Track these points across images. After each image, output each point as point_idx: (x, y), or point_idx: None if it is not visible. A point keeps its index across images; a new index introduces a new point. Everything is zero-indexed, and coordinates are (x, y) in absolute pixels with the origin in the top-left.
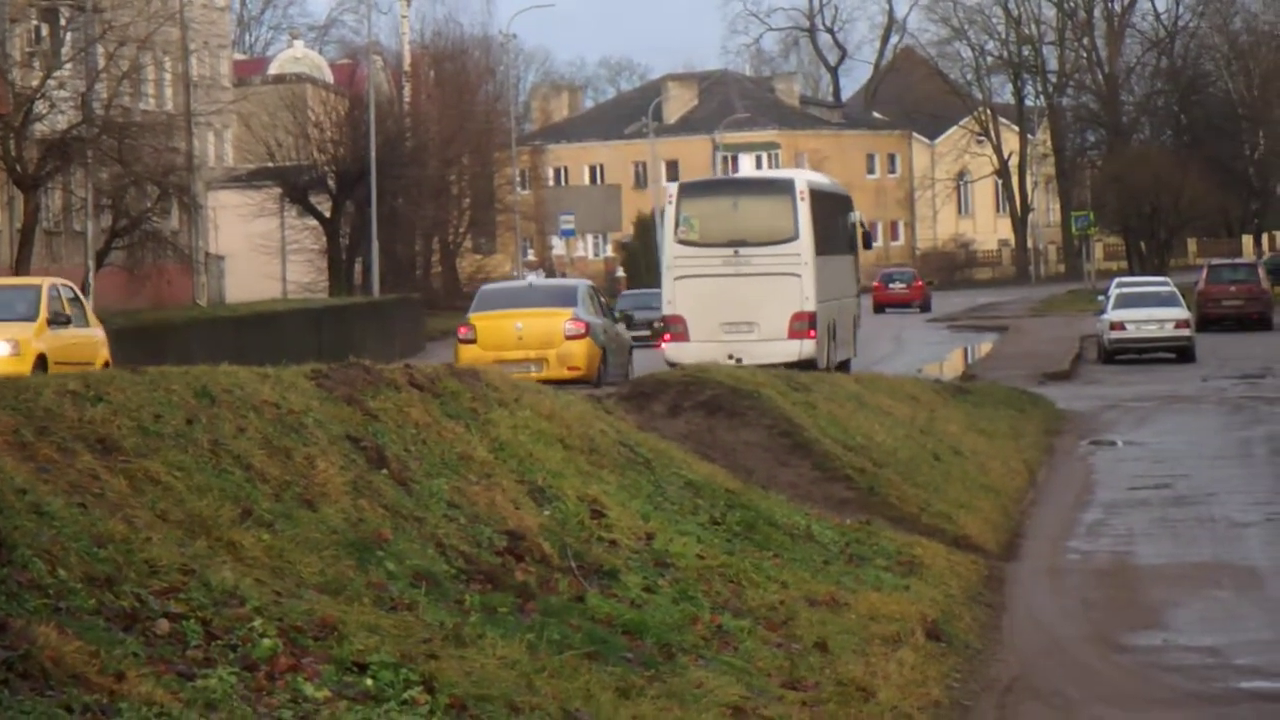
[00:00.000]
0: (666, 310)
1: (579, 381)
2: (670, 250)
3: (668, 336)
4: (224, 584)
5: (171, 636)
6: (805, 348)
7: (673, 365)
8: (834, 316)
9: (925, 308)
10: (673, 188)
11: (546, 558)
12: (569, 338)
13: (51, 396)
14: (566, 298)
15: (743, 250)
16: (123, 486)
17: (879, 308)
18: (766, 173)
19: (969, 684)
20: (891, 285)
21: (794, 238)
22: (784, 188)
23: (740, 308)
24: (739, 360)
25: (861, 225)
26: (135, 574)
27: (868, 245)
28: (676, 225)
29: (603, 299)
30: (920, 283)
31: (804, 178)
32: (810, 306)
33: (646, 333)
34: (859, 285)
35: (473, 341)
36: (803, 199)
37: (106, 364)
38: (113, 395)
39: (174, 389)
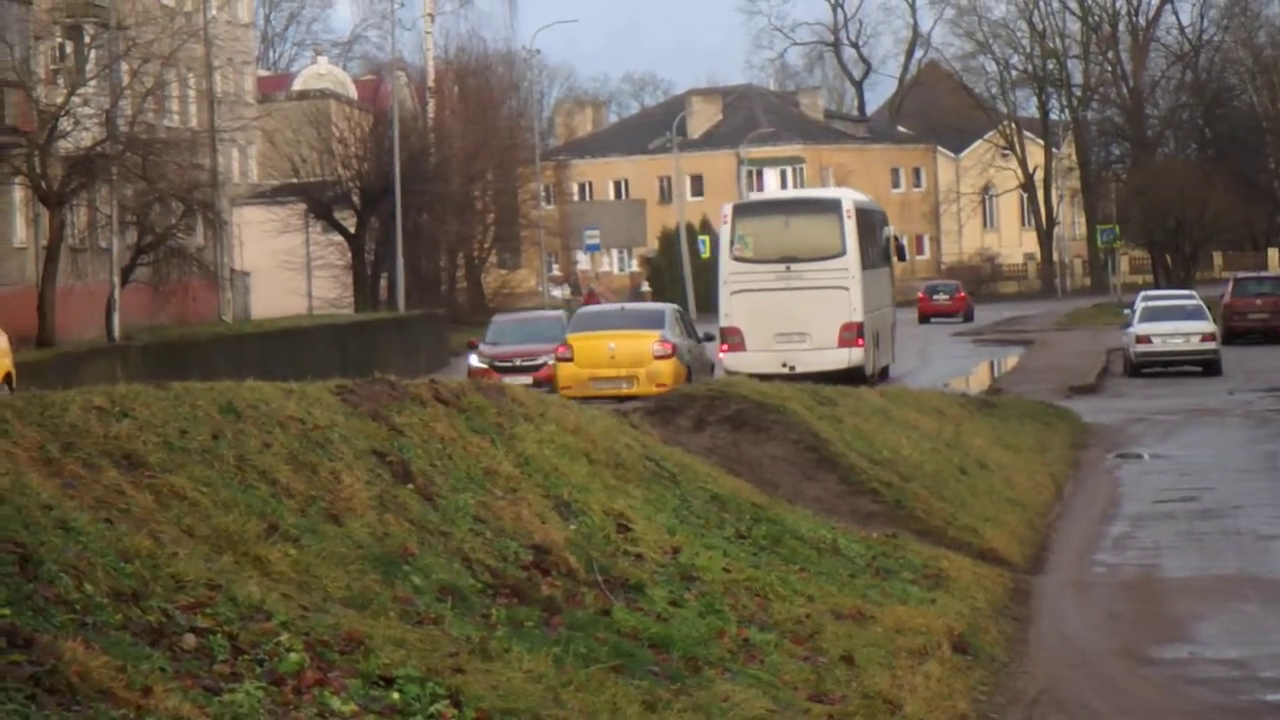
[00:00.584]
0: (724, 322)
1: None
2: (726, 266)
3: (725, 347)
4: (250, 598)
5: (198, 651)
6: (854, 355)
7: (731, 374)
8: (877, 326)
9: (968, 318)
10: (728, 208)
11: (572, 571)
12: (657, 357)
13: (77, 412)
14: (655, 321)
15: (794, 266)
16: (148, 502)
17: (924, 318)
18: (814, 192)
19: (995, 697)
20: (936, 297)
21: (842, 253)
22: (832, 207)
23: (792, 319)
24: (792, 368)
25: (896, 239)
26: (161, 589)
27: (902, 257)
28: (731, 243)
29: (689, 319)
30: (963, 294)
31: (849, 197)
32: (858, 317)
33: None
34: (894, 296)
35: (570, 360)
36: (849, 217)
37: (8, 375)
38: (138, 411)
39: (199, 404)
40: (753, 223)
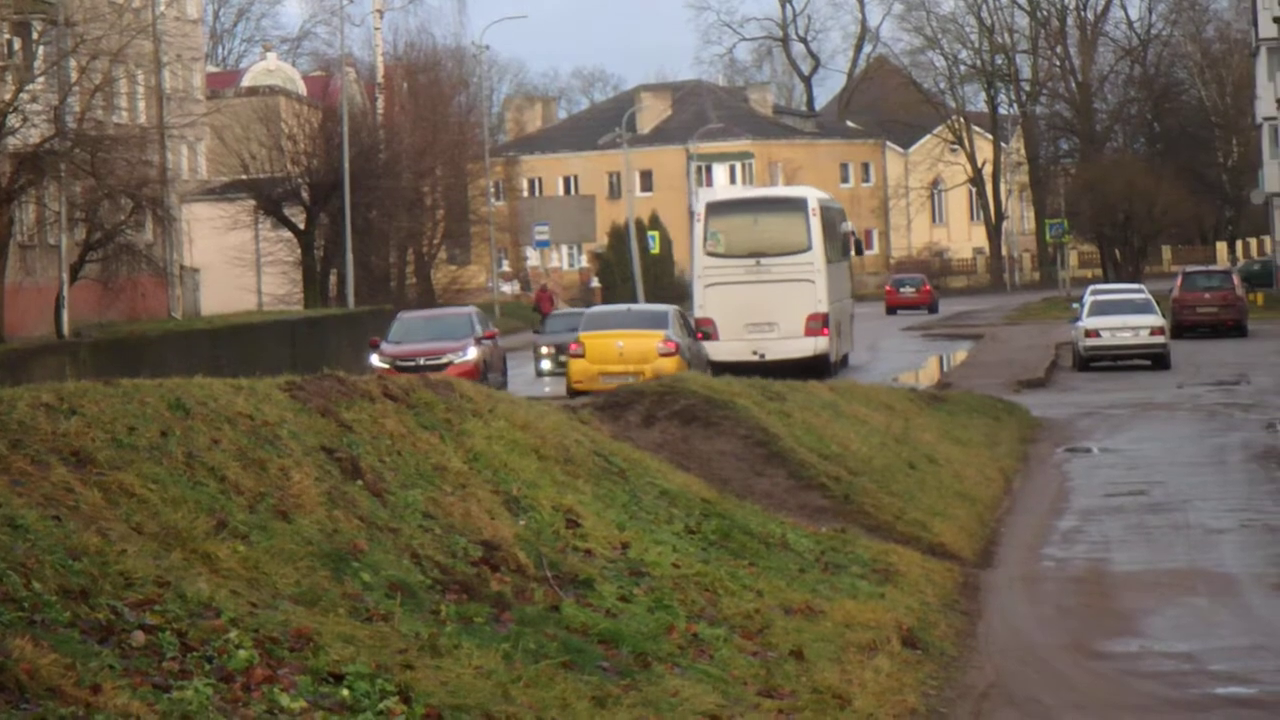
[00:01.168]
0: (698, 313)
1: None
2: (700, 261)
3: (699, 336)
4: (199, 595)
5: (147, 648)
6: (820, 344)
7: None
8: (839, 316)
9: (933, 310)
10: (701, 206)
11: (522, 568)
12: (662, 355)
13: (25, 409)
14: (659, 321)
15: (763, 260)
16: (97, 499)
17: (891, 310)
18: (780, 190)
19: (945, 691)
20: (903, 290)
21: (808, 248)
22: (798, 205)
23: (761, 310)
24: (762, 356)
25: (853, 234)
26: (110, 586)
27: (859, 252)
28: (705, 239)
29: (688, 319)
30: (928, 287)
31: (814, 195)
32: (823, 308)
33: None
34: (852, 288)
35: (582, 356)
36: (814, 215)
37: None
38: (87, 408)
39: (148, 401)
40: (724, 220)
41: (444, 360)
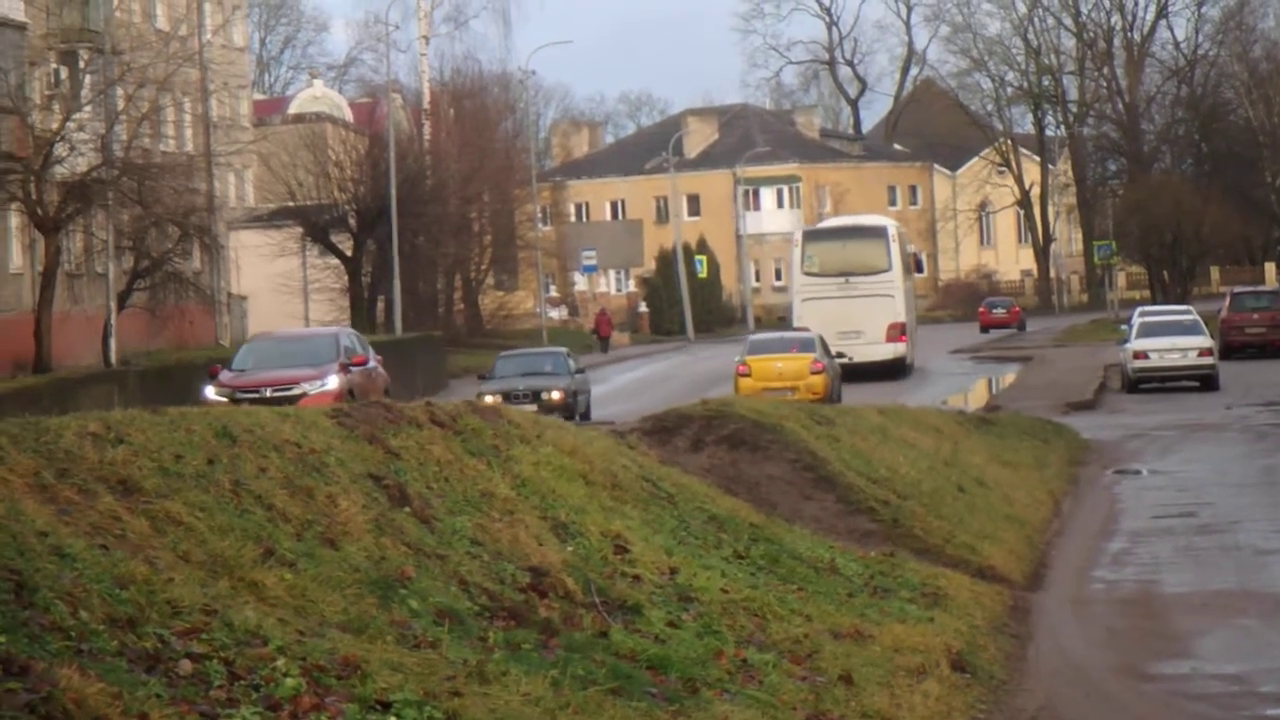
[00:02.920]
0: (796, 323)
1: (821, 401)
2: (797, 280)
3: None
4: (246, 624)
5: (194, 677)
6: (899, 349)
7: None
8: (912, 326)
9: (1021, 328)
10: (798, 233)
11: (570, 594)
12: (813, 373)
13: (72, 438)
14: (809, 346)
15: (851, 278)
16: (144, 527)
17: (984, 328)
18: (864, 219)
19: (994, 715)
20: (994, 311)
21: (889, 269)
22: (880, 233)
23: (849, 320)
24: (850, 359)
25: (915, 255)
26: (157, 615)
27: (920, 270)
28: (802, 261)
29: (826, 343)
30: (1017, 309)
31: (893, 224)
32: (901, 319)
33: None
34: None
35: (748, 375)
36: (894, 240)
37: None
38: (133, 436)
39: (195, 429)
40: (818, 245)
41: (296, 391)
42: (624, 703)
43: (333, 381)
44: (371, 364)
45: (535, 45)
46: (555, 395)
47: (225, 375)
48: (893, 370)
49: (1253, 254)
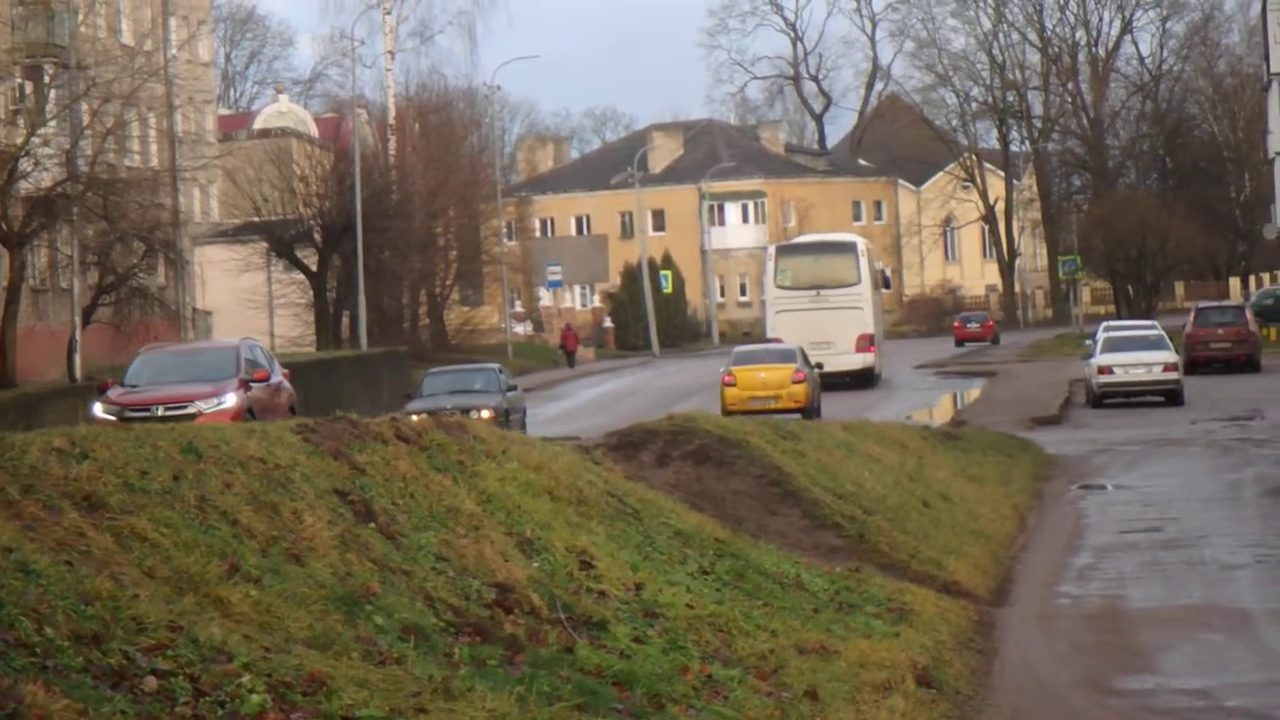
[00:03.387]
0: (770, 334)
1: (801, 411)
2: (771, 293)
3: None
4: (212, 640)
5: (160, 694)
6: (867, 359)
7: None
8: (880, 338)
9: (995, 341)
10: (772, 249)
11: (535, 609)
12: (794, 383)
13: (37, 454)
14: (790, 357)
15: (822, 291)
16: (109, 544)
17: (960, 342)
18: (835, 236)
19: None
20: (969, 325)
21: (858, 282)
22: (850, 248)
23: (821, 331)
24: (821, 367)
25: (883, 271)
26: (123, 631)
27: (887, 285)
28: (775, 275)
29: (807, 354)
30: (991, 323)
31: (862, 241)
32: (870, 330)
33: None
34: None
35: (734, 385)
36: (863, 255)
37: None
38: (98, 452)
39: (160, 445)
40: (791, 260)
41: (190, 410)
42: (590, 718)
43: (230, 399)
44: (277, 379)
45: (501, 60)
46: (485, 414)
47: (114, 392)
48: (862, 379)
49: (1217, 269)
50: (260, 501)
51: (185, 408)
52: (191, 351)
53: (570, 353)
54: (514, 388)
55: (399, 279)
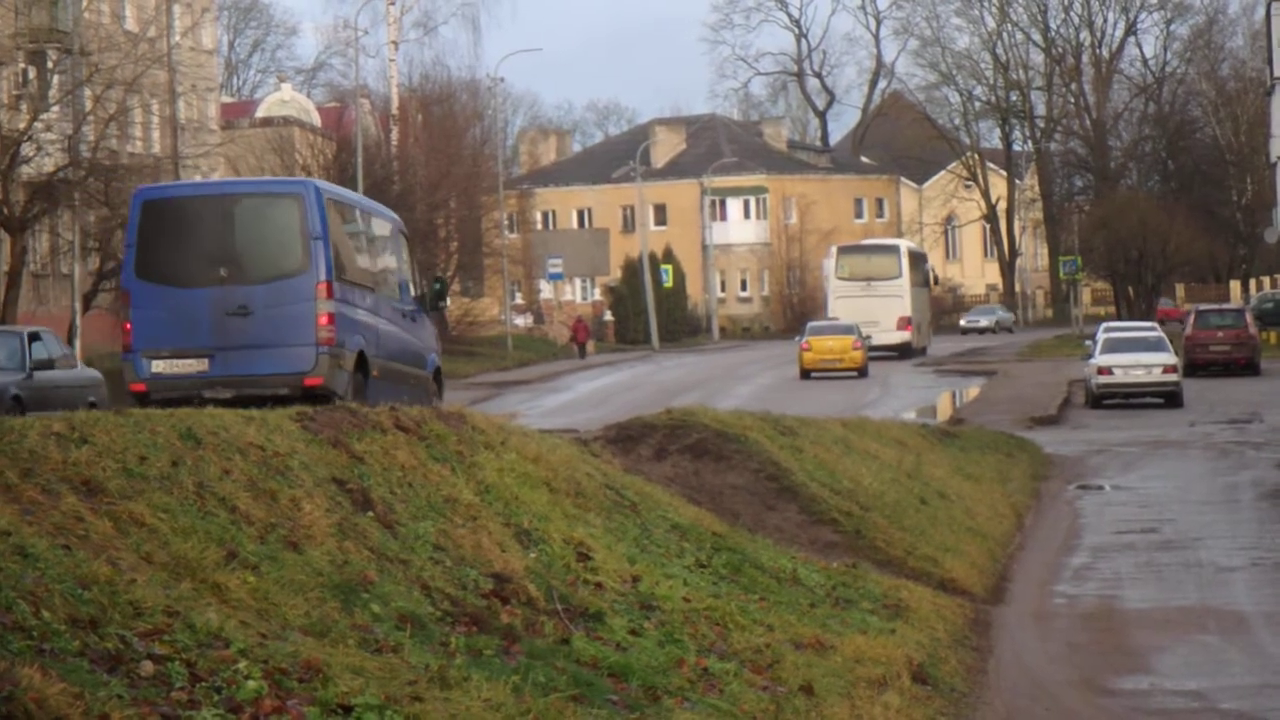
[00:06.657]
0: (830, 314)
1: (858, 370)
2: (833, 283)
3: None
4: (209, 626)
5: (156, 678)
6: (904, 336)
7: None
8: (920, 320)
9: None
10: (834, 249)
11: (532, 600)
12: (854, 349)
13: (36, 438)
14: (850, 330)
15: (872, 282)
16: (107, 528)
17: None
18: (885, 240)
19: None
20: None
21: (899, 277)
22: (894, 250)
23: (870, 313)
24: (870, 338)
25: (932, 271)
26: (120, 616)
27: (936, 282)
28: (836, 269)
29: (861, 330)
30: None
31: (905, 244)
32: (907, 313)
33: None
34: (930, 306)
35: (809, 350)
36: (904, 256)
37: None
38: (97, 437)
39: (159, 431)
40: (848, 257)
41: None
42: (585, 710)
43: None
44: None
45: (505, 52)
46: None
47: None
48: (901, 350)
49: (1218, 272)
50: (258, 488)
51: None
52: None
53: (581, 344)
54: (50, 363)
55: None
